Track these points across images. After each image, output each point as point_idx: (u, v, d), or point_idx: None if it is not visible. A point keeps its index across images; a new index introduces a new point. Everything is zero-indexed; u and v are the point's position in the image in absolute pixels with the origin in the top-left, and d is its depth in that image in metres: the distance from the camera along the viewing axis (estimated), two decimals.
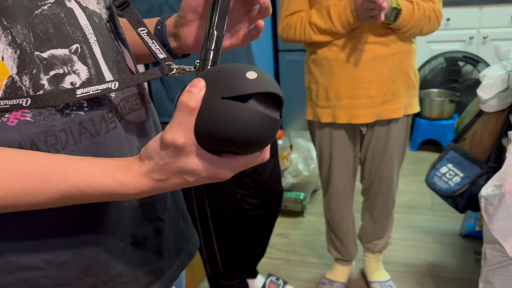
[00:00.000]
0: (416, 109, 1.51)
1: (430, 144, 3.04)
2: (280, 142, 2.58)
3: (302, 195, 2.39)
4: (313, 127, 1.58)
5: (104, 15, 0.56)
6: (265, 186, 1.56)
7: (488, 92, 1.70)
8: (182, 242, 0.70)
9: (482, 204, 1.28)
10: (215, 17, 0.54)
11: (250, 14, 0.62)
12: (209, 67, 0.52)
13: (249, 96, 0.43)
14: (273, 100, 0.45)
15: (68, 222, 0.51)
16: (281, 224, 2.34)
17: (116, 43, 0.57)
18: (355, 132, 1.54)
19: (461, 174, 1.70)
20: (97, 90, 0.49)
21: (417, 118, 3.05)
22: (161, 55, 0.55)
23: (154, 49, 0.55)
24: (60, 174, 0.45)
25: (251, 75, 0.43)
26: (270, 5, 0.59)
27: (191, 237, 0.74)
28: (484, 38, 2.91)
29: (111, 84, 0.50)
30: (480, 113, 1.77)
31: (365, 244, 1.79)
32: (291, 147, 2.69)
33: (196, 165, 0.43)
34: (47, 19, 0.47)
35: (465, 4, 2.91)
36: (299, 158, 2.55)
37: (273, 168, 1.57)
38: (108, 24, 0.56)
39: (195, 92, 0.42)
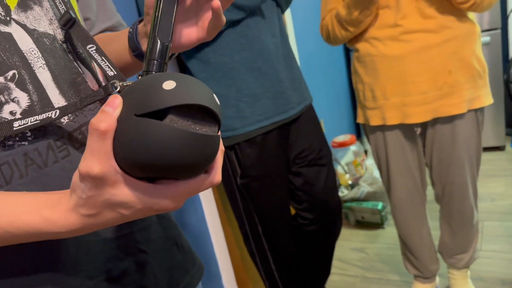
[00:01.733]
0: (487, 101, 1.28)
1: None
2: (352, 148, 2.43)
3: (380, 205, 2.19)
4: (367, 131, 1.44)
5: (59, 36, 0.53)
6: (319, 199, 1.44)
7: None
8: (176, 275, 0.65)
9: None
10: (156, 22, 0.47)
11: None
12: None
13: (167, 111, 0.36)
14: (205, 113, 0.38)
15: (23, 261, 0.48)
16: (357, 238, 2.18)
17: (75, 64, 0.54)
18: (412, 133, 1.35)
19: None
20: (36, 120, 0.46)
21: None
22: (111, 72, 0.50)
23: (104, 66, 0.51)
24: None
25: (169, 85, 0.36)
26: None
27: (192, 267, 0.68)
28: None
29: (51, 113, 0.47)
30: None
31: (447, 259, 1.56)
32: (365, 152, 2.51)
33: (126, 196, 0.38)
34: None
35: None
36: (375, 164, 2.36)
37: (327, 178, 1.44)
38: (64, 45, 0.53)
39: (109, 112, 0.37)
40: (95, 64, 0.51)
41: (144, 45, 0.61)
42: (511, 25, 2.65)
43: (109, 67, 0.51)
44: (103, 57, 0.51)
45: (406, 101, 1.25)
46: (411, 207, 1.46)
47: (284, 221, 1.44)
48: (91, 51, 0.52)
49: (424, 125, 1.34)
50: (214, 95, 0.39)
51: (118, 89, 0.48)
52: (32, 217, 0.42)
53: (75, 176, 0.40)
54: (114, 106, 0.37)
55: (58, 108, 0.47)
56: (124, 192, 0.38)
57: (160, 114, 0.35)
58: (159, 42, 0.47)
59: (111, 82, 0.48)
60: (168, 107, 0.35)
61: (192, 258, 0.70)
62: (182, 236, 0.70)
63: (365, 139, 2.68)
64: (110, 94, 0.49)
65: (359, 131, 3.03)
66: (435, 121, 1.30)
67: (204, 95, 0.37)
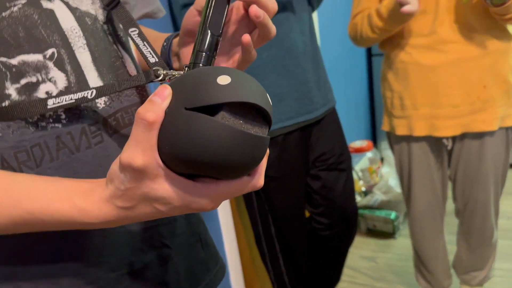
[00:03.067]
0: None
1: None
2: (369, 154, 2.39)
3: (393, 215, 2.16)
4: (391, 140, 1.41)
5: (101, 16, 0.51)
6: (337, 205, 1.42)
7: None
8: (198, 272, 0.63)
9: None
10: (209, 12, 0.45)
11: (251, 35, 0.53)
12: None
13: (220, 107, 0.34)
14: (257, 112, 0.36)
15: (46, 249, 0.47)
16: (368, 246, 2.15)
17: (115, 46, 0.52)
18: (439, 145, 1.32)
19: None
20: (71, 100, 0.44)
21: None
22: (152, 58, 0.48)
23: (145, 52, 0.49)
24: (13, 197, 0.41)
25: (223, 80, 0.34)
26: (269, 23, 0.49)
27: (214, 266, 0.67)
28: None
29: (88, 93, 0.45)
30: None
31: (460, 275, 1.53)
32: (382, 160, 2.48)
33: (166, 191, 0.37)
34: (17, 22, 0.43)
35: None
36: (391, 172, 2.33)
37: (346, 184, 1.42)
38: (105, 26, 0.52)
39: (157, 102, 0.35)
40: (137, 49, 0.49)
41: (175, 63, 0.60)
42: None
43: (150, 53, 0.49)
44: (145, 42, 0.49)
45: (436, 113, 1.22)
46: (430, 220, 1.43)
47: (299, 224, 1.42)
48: (133, 35, 0.50)
49: (453, 139, 1.31)
50: (268, 95, 0.37)
51: (161, 77, 0.47)
52: (65, 205, 0.40)
53: (114, 166, 0.38)
54: (163, 96, 0.35)
55: (95, 88, 0.45)
56: (164, 187, 0.36)
57: (211, 110, 0.34)
58: (209, 34, 0.45)
59: (154, 69, 0.47)
60: (221, 103, 0.34)
61: (216, 256, 0.68)
62: (207, 232, 0.68)
63: (382, 146, 2.65)
64: (151, 81, 0.47)
65: (376, 137, 3.00)
66: (464, 136, 1.26)
67: (259, 94, 0.35)
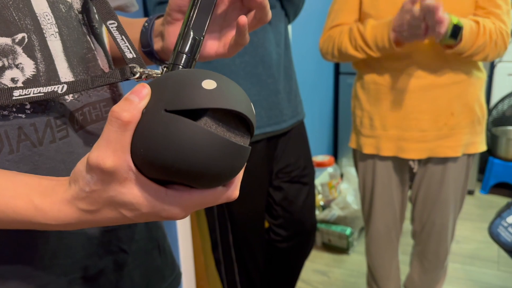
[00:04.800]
0: (481, 148, 1.29)
1: (504, 188, 2.70)
2: (329, 169, 2.42)
3: (348, 230, 2.19)
4: (356, 157, 1.43)
5: (76, 5, 0.48)
6: (297, 218, 1.41)
7: None
8: (153, 280, 0.60)
9: None
10: (193, 13, 0.44)
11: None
12: None
13: (203, 112, 0.32)
14: (240, 121, 0.34)
15: None
16: (322, 260, 2.16)
17: (88, 38, 0.49)
18: (403, 167, 1.35)
19: None
20: (40, 93, 0.41)
21: (491, 157, 2.73)
22: (130, 54, 0.46)
23: (123, 46, 0.46)
24: None
25: (209, 84, 0.32)
26: (267, 7, 0.48)
27: (170, 275, 0.64)
28: None
29: (58, 87, 0.42)
30: None
31: None
32: (341, 176, 2.51)
33: (134, 196, 0.34)
34: None
35: None
36: (349, 189, 2.36)
37: (307, 198, 1.42)
38: (80, 15, 0.48)
39: (134, 101, 0.33)
40: (114, 42, 0.47)
41: (157, 44, 0.57)
42: (496, 74, 2.74)
43: (128, 49, 0.46)
44: (123, 36, 0.47)
45: (405, 135, 1.24)
46: (387, 240, 1.45)
47: (257, 234, 1.40)
48: (112, 27, 0.47)
49: (418, 162, 1.34)
50: (252, 104, 0.35)
51: (137, 75, 0.44)
52: (21, 203, 0.36)
53: (80, 165, 0.35)
54: (141, 95, 0.33)
55: (66, 83, 0.42)
56: (132, 192, 0.34)
57: (193, 114, 0.32)
58: (191, 35, 0.43)
59: (131, 65, 0.44)
60: (204, 109, 0.32)
61: (172, 264, 0.66)
62: (166, 239, 0.66)
63: (342, 162, 2.69)
64: (127, 79, 0.45)
65: (337, 153, 3.04)
66: (428, 160, 1.29)
67: (244, 103, 0.34)
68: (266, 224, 1.48)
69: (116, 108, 0.33)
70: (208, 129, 0.32)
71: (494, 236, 1.49)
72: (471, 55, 1.14)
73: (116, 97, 0.53)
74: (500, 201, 2.59)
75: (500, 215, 1.52)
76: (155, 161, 0.32)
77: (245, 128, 0.35)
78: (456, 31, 1.07)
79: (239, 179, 0.38)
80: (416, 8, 1.03)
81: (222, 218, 1.34)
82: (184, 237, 1.52)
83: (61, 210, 0.36)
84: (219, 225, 1.36)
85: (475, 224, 2.35)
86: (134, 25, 0.60)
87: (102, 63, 0.51)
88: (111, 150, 0.33)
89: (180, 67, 0.43)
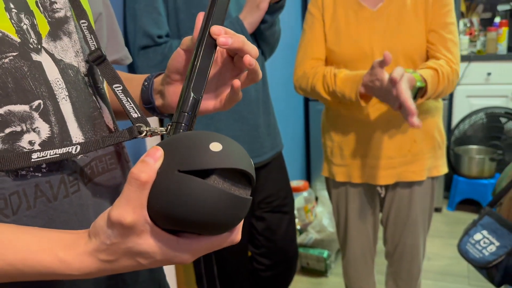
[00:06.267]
0: (443, 171, 1.40)
1: (469, 204, 2.84)
2: (305, 194, 2.49)
3: (325, 253, 2.25)
4: (329, 185, 1.50)
5: (83, 69, 0.53)
6: (279, 246, 1.46)
7: None
8: None
9: None
10: (192, 77, 0.49)
11: (239, 77, 0.57)
12: (181, 131, 0.48)
13: (211, 171, 0.38)
14: (242, 176, 0.40)
15: None
16: (301, 284, 2.21)
17: (94, 98, 0.54)
18: (373, 193, 1.44)
19: (497, 243, 1.54)
20: (56, 154, 0.45)
21: (455, 175, 2.87)
22: (135, 114, 0.51)
23: (128, 107, 0.51)
24: None
25: (216, 146, 0.38)
26: (258, 69, 0.55)
27: None
28: None
29: (72, 148, 0.46)
30: None
31: None
32: (316, 199, 2.58)
33: (150, 246, 0.39)
34: (7, 73, 0.44)
35: (507, 59, 2.79)
36: (324, 212, 2.43)
37: (288, 226, 1.48)
38: (86, 78, 0.54)
39: (150, 163, 0.38)
40: (120, 104, 0.52)
41: (157, 100, 0.63)
42: (456, 96, 2.91)
43: (133, 109, 0.52)
44: (128, 98, 0.52)
45: (373, 163, 1.33)
46: (363, 262, 1.52)
47: (241, 265, 1.44)
48: (117, 90, 0.53)
49: (386, 187, 1.42)
50: (251, 160, 0.41)
51: (144, 133, 0.49)
52: (47, 257, 0.41)
53: (101, 221, 0.40)
54: (155, 157, 0.38)
55: (79, 144, 0.47)
56: (148, 242, 0.39)
57: (202, 173, 0.37)
58: (192, 96, 0.49)
59: (137, 125, 0.49)
60: (212, 168, 0.37)
61: None
62: (165, 278, 0.69)
63: (316, 186, 2.77)
64: (135, 137, 0.50)
65: (310, 177, 3.13)
66: (396, 185, 1.39)
67: (246, 160, 0.40)
68: (249, 254, 1.52)
69: (134, 170, 0.37)
70: (216, 186, 0.37)
71: (463, 253, 1.58)
72: (430, 97, 1.23)
73: (119, 150, 0.58)
74: (467, 217, 2.72)
75: (467, 232, 1.62)
76: (170, 215, 0.37)
77: (247, 181, 0.41)
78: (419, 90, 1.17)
79: (241, 224, 0.43)
80: (386, 76, 1.09)
81: None
82: (167, 271, 1.54)
83: (83, 262, 0.40)
84: (203, 257, 1.39)
85: (444, 240, 2.46)
86: (134, 81, 0.66)
87: (107, 120, 0.56)
88: (131, 207, 0.37)
89: (183, 124, 0.48)
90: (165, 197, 0.37)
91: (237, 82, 0.54)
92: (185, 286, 1.65)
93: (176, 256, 0.40)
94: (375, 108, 1.31)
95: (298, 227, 2.43)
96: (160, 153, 0.38)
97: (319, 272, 2.27)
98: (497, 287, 1.57)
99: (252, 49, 0.51)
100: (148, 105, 0.63)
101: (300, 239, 2.33)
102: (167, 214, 0.37)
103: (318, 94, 1.33)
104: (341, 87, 1.25)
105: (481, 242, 1.58)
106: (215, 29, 0.49)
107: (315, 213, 2.47)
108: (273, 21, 1.29)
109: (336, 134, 1.39)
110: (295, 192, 2.50)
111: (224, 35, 0.49)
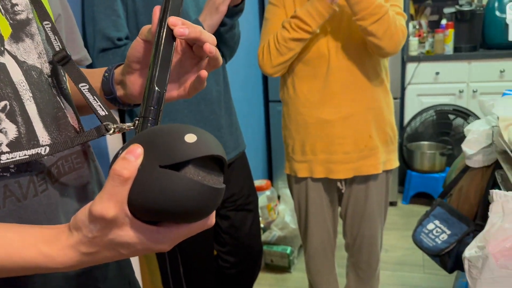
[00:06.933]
0: (395, 164, 1.48)
1: (422, 197, 2.98)
2: (267, 193, 2.54)
3: (288, 250, 2.30)
4: (291, 181, 1.55)
5: (46, 70, 0.54)
6: (244, 244, 1.50)
7: (473, 147, 1.68)
8: None
9: (466, 266, 1.22)
10: (155, 71, 0.51)
11: (199, 65, 0.59)
12: (149, 125, 0.49)
13: (187, 162, 0.40)
14: (215, 163, 0.43)
15: None
16: (266, 281, 2.25)
17: (58, 98, 0.55)
18: (332, 187, 1.50)
19: (448, 232, 1.64)
20: (25, 155, 0.46)
21: (409, 170, 3.01)
22: (102, 112, 0.52)
23: (95, 106, 0.53)
24: None
25: (190, 138, 0.40)
26: (219, 55, 0.57)
27: None
28: (474, 92, 2.94)
29: (41, 149, 0.47)
30: (466, 168, 1.74)
31: None
32: (279, 198, 2.64)
33: (130, 237, 0.41)
34: None
35: (454, 59, 2.96)
36: (286, 209, 2.49)
37: (252, 224, 1.51)
38: (50, 79, 0.54)
39: (131, 161, 0.39)
40: (87, 102, 0.53)
41: (119, 91, 0.64)
42: (407, 95, 3.05)
43: (100, 107, 0.53)
44: (95, 97, 0.54)
45: (332, 158, 1.40)
46: (323, 255, 1.58)
47: (207, 264, 1.46)
48: (84, 89, 0.54)
49: (344, 181, 1.49)
50: (223, 148, 0.44)
51: (111, 131, 0.51)
52: (30, 252, 0.42)
53: (82, 215, 0.42)
54: (136, 155, 0.40)
55: (48, 145, 0.48)
56: (129, 233, 0.41)
57: (180, 165, 0.40)
58: (156, 91, 0.50)
59: (105, 124, 0.51)
60: (189, 159, 0.40)
61: None
62: (134, 274, 0.71)
63: (278, 185, 2.82)
64: (103, 135, 0.51)
65: (272, 176, 3.18)
66: (354, 179, 1.46)
67: (217, 147, 0.42)
68: (214, 252, 1.54)
69: (116, 166, 0.39)
70: (194, 178, 0.40)
71: (418, 242, 1.67)
72: (370, 14, 1.22)
73: (85, 149, 0.59)
74: (420, 209, 2.86)
75: (421, 223, 1.71)
76: (150, 208, 0.39)
77: (219, 168, 0.43)
78: None
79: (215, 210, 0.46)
80: None
81: (172, 250, 1.38)
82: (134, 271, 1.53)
83: (66, 255, 0.42)
84: (169, 257, 1.40)
85: (400, 232, 2.58)
86: (94, 74, 0.66)
87: (72, 119, 0.57)
88: (113, 202, 0.39)
89: (150, 119, 0.49)
90: (146, 191, 0.39)
91: (204, 73, 0.56)
92: (151, 287, 1.65)
93: (155, 244, 0.42)
94: (332, 106, 1.37)
95: (261, 225, 2.47)
96: (140, 150, 0.40)
97: (282, 268, 2.32)
98: (449, 273, 1.67)
99: (209, 37, 0.53)
100: (109, 96, 0.64)
101: (263, 236, 2.37)
102: (147, 207, 0.39)
103: (284, 43, 1.31)
104: (303, 10, 1.26)
105: (434, 232, 1.68)
106: (172, 20, 0.51)
107: (277, 211, 2.52)
108: (233, 24, 1.32)
109: (296, 132, 1.44)
110: (258, 191, 2.53)
111: (181, 26, 0.51)
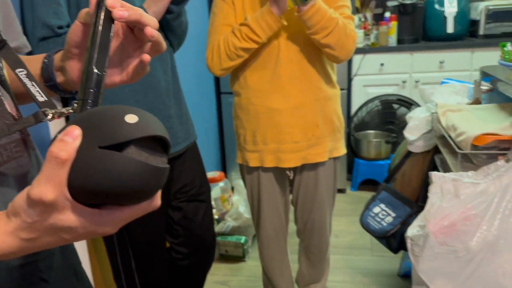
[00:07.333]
0: (342, 152, 1.54)
1: (370, 184, 3.10)
2: (221, 184, 2.54)
3: (243, 239, 2.33)
4: (243, 171, 1.57)
5: None
6: (196, 234, 1.49)
7: (414, 133, 1.77)
8: None
9: (409, 244, 1.29)
10: (93, 53, 0.49)
11: (142, 49, 0.58)
12: (89, 108, 0.47)
13: (129, 142, 0.39)
14: (158, 143, 0.42)
15: None
16: (221, 271, 2.26)
17: None
18: (283, 175, 1.53)
19: (393, 214, 1.73)
20: None
21: (356, 159, 3.12)
22: (41, 98, 0.51)
23: (34, 91, 0.51)
24: None
25: (131, 118, 0.39)
26: (161, 40, 0.55)
27: None
28: (416, 82, 3.08)
29: None
30: (408, 154, 1.83)
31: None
32: (232, 189, 2.65)
33: (72, 221, 0.39)
34: None
35: (397, 50, 3.08)
36: (240, 200, 2.51)
37: (205, 214, 1.51)
38: None
39: (69, 142, 0.38)
40: (25, 88, 0.51)
41: (59, 77, 0.62)
42: (354, 86, 3.15)
43: (39, 93, 0.51)
44: (33, 82, 0.52)
45: (282, 148, 1.42)
46: (276, 242, 1.62)
47: (159, 256, 1.45)
48: (21, 75, 0.52)
49: (294, 170, 1.52)
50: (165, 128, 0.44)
51: (50, 116, 0.49)
52: None
53: (20, 200, 0.40)
54: (74, 136, 0.39)
55: None
56: (70, 217, 0.39)
57: (120, 145, 0.39)
58: (95, 73, 0.48)
59: (42, 110, 0.49)
60: (130, 140, 0.39)
61: (89, 287, 0.70)
62: (80, 264, 0.69)
63: (232, 176, 2.84)
64: (41, 121, 0.50)
65: (226, 168, 3.19)
66: (303, 167, 1.49)
67: (160, 127, 0.42)
68: (167, 245, 1.53)
69: (53, 148, 0.38)
70: (136, 158, 0.39)
71: (365, 225, 1.75)
72: (322, 28, 1.27)
73: (25, 137, 0.57)
74: (368, 195, 2.93)
75: (367, 207, 1.79)
76: (91, 191, 0.38)
77: (163, 148, 0.43)
78: None
79: (160, 191, 0.45)
80: None
81: (123, 245, 1.36)
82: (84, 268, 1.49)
83: (5, 242, 0.40)
84: (120, 253, 1.37)
85: (349, 218, 2.67)
86: (32, 61, 0.64)
87: (10, 106, 0.54)
88: (51, 185, 0.38)
89: (89, 101, 0.48)
90: (86, 173, 0.38)
91: (146, 57, 0.55)
92: (102, 283, 1.62)
93: (99, 228, 0.41)
94: (282, 97, 1.39)
95: (216, 216, 2.47)
96: (78, 131, 0.39)
97: (237, 257, 2.34)
98: (395, 253, 1.76)
99: (150, 20, 0.52)
100: (49, 83, 0.62)
101: (218, 228, 2.38)
102: (88, 190, 0.38)
103: (234, 50, 1.33)
104: (253, 18, 1.28)
105: (380, 215, 1.75)
106: (111, 2, 0.49)
107: (231, 202, 2.54)
108: (179, 11, 1.31)
109: (248, 122, 1.45)
110: (211, 183, 2.53)
111: (120, 8, 0.49)
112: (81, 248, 1.49)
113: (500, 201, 1.15)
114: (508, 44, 1.31)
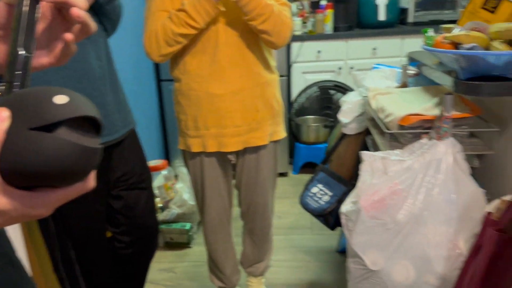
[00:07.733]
0: (282, 135, 1.59)
1: (310, 167, 3.22)
2: (164, 172, 2.53)
3: (188, 225, 2.34)
4: (186, 157, 1.58)
5: None
6: (139, 222, 1.48)
7: (347, 116, 1.87)
8: None
9: (343, 220, 1.37)
10: (19, 34, 0.48)
11: (69, 31, 0.56)
12: (17, 90, 0.46)
13: (59, 123, 0.39)
14: (90, 125, 0.42)
15: None
16: (166, 258, 2.27)
17: None
18: (225, 160, 1.56)
19: (330, 193, 1.82)
20: None
21: (297, 143, 3.22)
22: None
23: None
24: None
25: (60, 99, 0.39)
26: (89, 21, 0.54)
27: (27, 287, 0.67)
28: (351, 68, 3.21)
29: None
30: (343, 136, 1.93)
31: (246, 269, 1.80)
32: (176, 177, 2.64)
33: (3, 204, 0.39)
34: None
35: (333, 38, 3.19)
36: (184, 187, 2.51)
37: (147, 201, 1.51)
38: None
39: None
40: None
41: None
42: (293, 73, 3.23)
43: None
44: None
45: (223, 132, 1.45)
46: (220, 226, 1.65)
47: (100, 246, 1.43)
48: None
49: (237, 154, 1.56)
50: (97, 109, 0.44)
51: None
52: None
53: None
54: (2, 118, 0.38)
55: None
56: (2, 201, 0.39)
57: (50, 127, 0.39)
58: (22, 54, 0.47)
59: None
60: (61, 120, 0.39)
61: (26, 276, 0.69)
62: (15, 252, 0.68)
63: (175, 164, 2.82)
64: None
65: (169, 156, 3.16)
66: (245, 151, 1.53)
67: (91, 108, 0.42)
68: (109, 234, 1.51)
69: None
70: (66, 138, 0.39)
71: (304, 205, 1.83)
72: (258, 15, 1.31)
73: None
74: (308, 178, 3.06)
75: (306, 187, 1.87)
76: (22, 173, 0.38)
77: (95, 130, 0.43)
78: None
79: (94, 172, 0.45)
80: None
81: (61, 236, 1.33)
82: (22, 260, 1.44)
83: None
84: (59, 244, 1.34)
85: (291, 200, 2.76)
86: None
87: None
88: None
89: (17, 83, 0.46)
90: (16, 155, 0.38)
91: (68, 36, 0.54)
92: (41, 275, 1.57)
93: (32, 210, 0.41)
94: (222, 82, 1.41)
95: (160, 205, 2.46)
96: (6, 113, 0.38)
97: (182, 244, 2.35)
98: (332, 230, 1.86)
99: (78, 1, 0.51)
100: None
101: (162, 216, 2.38)
102: (19, 172, 0.38)
103: (173, 36, 1.33)
104: (190, 4, 1.28)
105: (318, 194, 1.84)
106: None
107: (175, 190, 2.53)
108: None
109: (189, 107, 1.46)
110: (154, 171, 2.51)
111: None
112: (16, 236, 1.44)
113: (424, 176, 1.25)
114: (430, 30, 1.42)
